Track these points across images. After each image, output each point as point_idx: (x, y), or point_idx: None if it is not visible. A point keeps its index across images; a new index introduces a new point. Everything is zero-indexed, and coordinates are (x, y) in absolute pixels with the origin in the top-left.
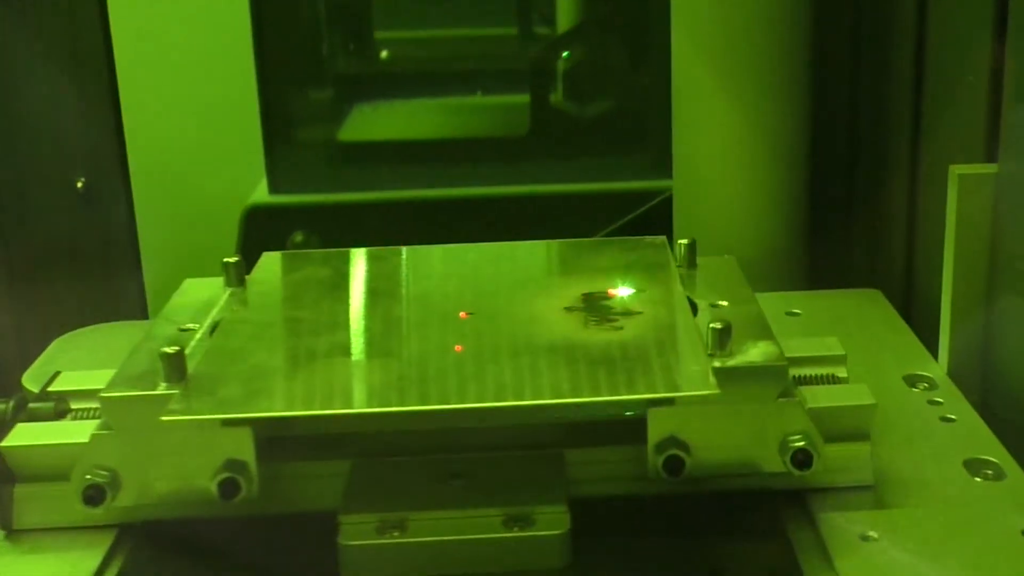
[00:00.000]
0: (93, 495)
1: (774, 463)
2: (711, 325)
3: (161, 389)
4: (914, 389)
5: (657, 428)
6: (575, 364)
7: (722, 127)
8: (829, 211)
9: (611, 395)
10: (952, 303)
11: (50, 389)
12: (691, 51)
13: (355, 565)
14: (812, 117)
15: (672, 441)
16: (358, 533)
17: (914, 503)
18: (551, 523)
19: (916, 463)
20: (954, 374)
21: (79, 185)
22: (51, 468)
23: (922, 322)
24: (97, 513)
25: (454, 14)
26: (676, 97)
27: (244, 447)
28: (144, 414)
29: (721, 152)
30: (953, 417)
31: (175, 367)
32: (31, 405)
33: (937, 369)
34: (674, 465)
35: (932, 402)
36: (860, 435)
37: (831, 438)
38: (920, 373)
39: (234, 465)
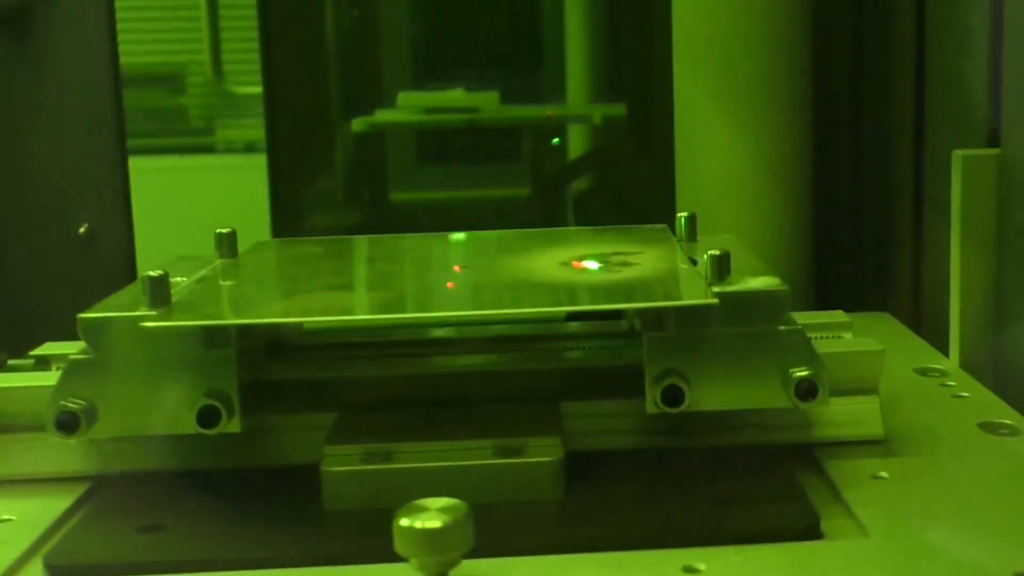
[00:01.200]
0: (67, 420)
1: (777, 396)
2: (709, 253)
3: (143, 311)
4: (925, 377)
5: (655, 357)
6: (573, 288)
7: (726, 159)
8: (835, 238)
9: (608, 303)
10: (961, 290)
11: (32, 353)
12: (692, 83)
13: (337, 493)
14: (815, 147)
15: (670, 371)
16: (341, 461)
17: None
18: (543, 452)
19: (930, 426)
20: (966, 366)
21: (81, 231)
22: (25, 415)
23: (934, 343)
24: (73, 459)
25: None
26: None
27: (226, 375)
28: (123, 336)
29: (724, 183)
30: (966, 395)
31: (159, 291)
32: (11, 362)
33: (950, 364)
34: (673, 395)
35: (944, 385)
36: (869, 388)
37: (839, 391)
38: (932, 367)
39: (216, 394)
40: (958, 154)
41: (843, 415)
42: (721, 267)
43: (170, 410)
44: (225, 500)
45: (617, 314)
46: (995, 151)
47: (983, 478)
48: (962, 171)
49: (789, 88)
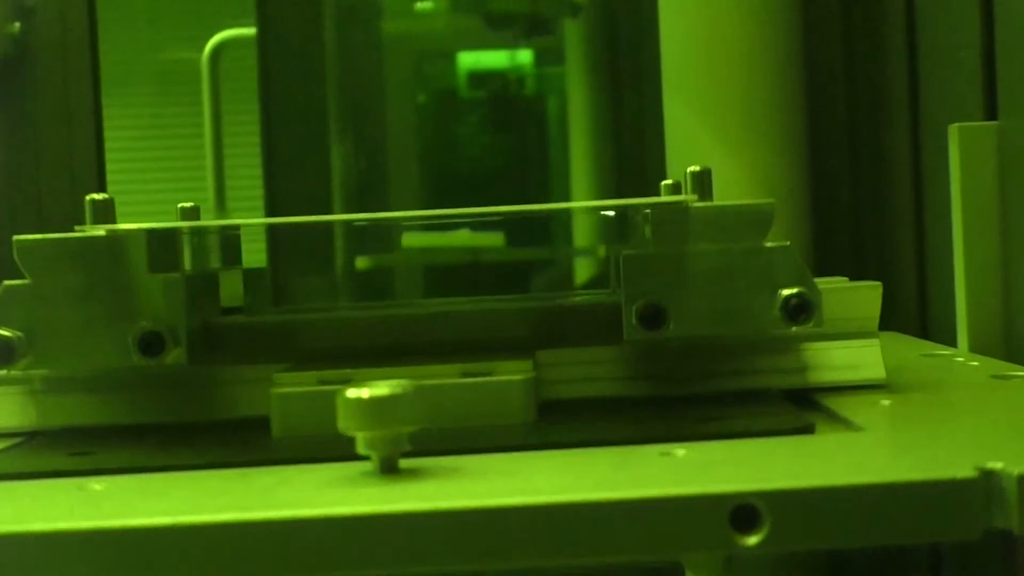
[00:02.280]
0: (2, 350)
1: (766, 317)
2: (688, 170)
3: (86, 233)
4: (933, 358)
5: (631, 277)
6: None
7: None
8: (836, 260)
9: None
10: (966, 272)
11: None
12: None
13: (287, 418)
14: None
15: (648, 292)
16: (292, 383)
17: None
18: (513, 371)
19: (940, 380)
20: (976, 350)
21: None
22: None
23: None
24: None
25: None
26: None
27: (173, 301)
28: (62, 259)
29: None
30: (976, 364)
31: (103, 212)
32: None
33: (958, 350)
34: (652, 314)
35: (953, 361)
36: (868, 332)
37: (837, 334)
38: (940, 353)
39: (160, 322)
40: (955, 127)
41: (842, 358)
42: (703, 184)
43: (111, 338)
44: (161, 439)
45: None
46: (993, 123)
47: (984, 405)
48: (959, 145)
49: (787, 120)
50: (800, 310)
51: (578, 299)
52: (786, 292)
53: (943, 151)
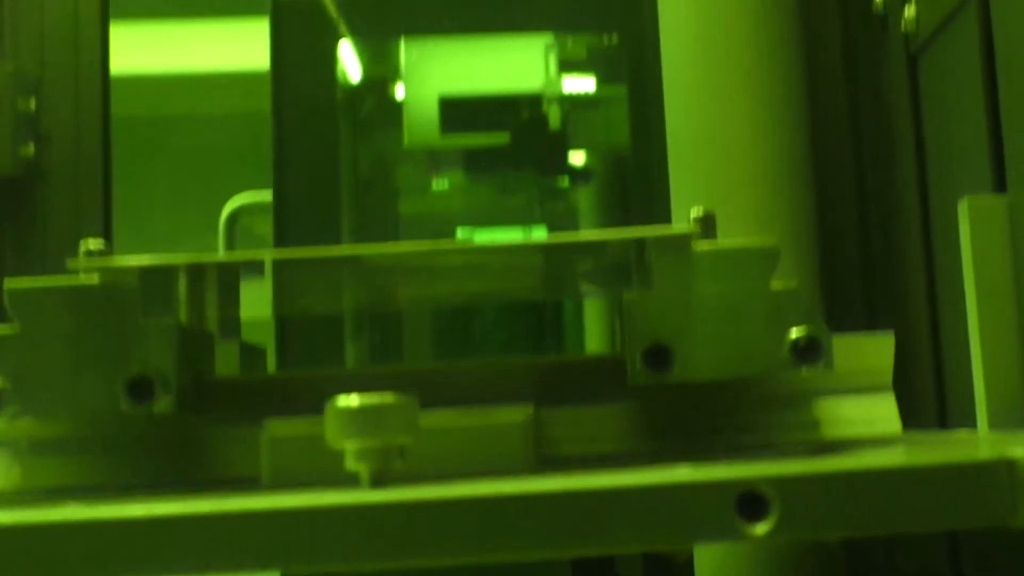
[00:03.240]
0: None
1: (774, 358)
2: (693, 213)
3: (79, 280)
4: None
5: (635, 319)
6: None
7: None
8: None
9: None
10: (982, 347)
11: None
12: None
13: (278, 462)
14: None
15: (654, 333)
16: (284, 429)
17: None
18: (512, 416)
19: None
20: (995, 425)
21: None
22: None
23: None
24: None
25: None
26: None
27: (164, 346)
28: (54, 307)
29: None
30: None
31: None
32: None
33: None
34: (658, 354)
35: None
36: (882, 385)
37: (850, 389)
38: (958, 430)
39: (151, 367)
40: (965, 202)
41: (857, 412)
42: (707, 227)
43: (100, 385)
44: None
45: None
46: (1003, 197)
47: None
48: (970, 219)
49: (789, 153)
50: (809, 350)
51: (582, 357)
52: (795, 333)
53: (951, 207)
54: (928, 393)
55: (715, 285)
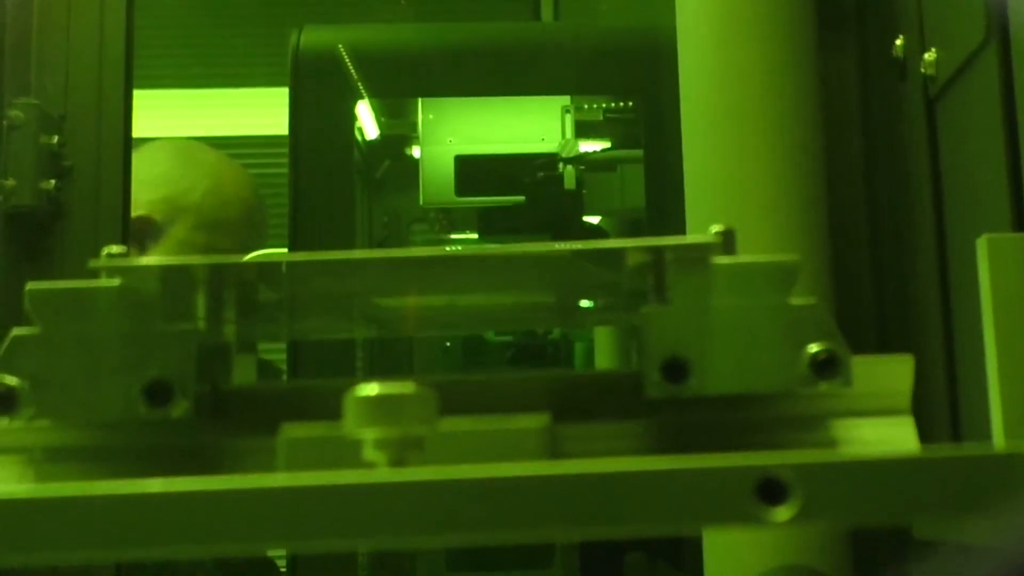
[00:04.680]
0: (5, 399)
1: (792, 375)
2: (712, 229)
3: (100, 283)
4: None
5: (652, 332)
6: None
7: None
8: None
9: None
10: (1000, 388)
11: None
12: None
13: (294, 465)
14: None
15: (669, 345)
16: (301, 430)
17: None
18: (529, 422)
19: None
20: None
21: None
22: None
23: None
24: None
25: None
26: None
27: (185, 349)
28: (76, 309)
29: None
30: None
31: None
32: None
33: None
34: (675, 367)
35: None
36: (901, 409)
37: (868, 411)
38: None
39: (169, 371)
40: (983, 239)
41: (874, 435)
42: (727, 243)
43: (118, 389)
44: None
45: None
46: (1023, 235)
47: None
48: (989, 256)
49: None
50: (828, 366)
51: (597, 372)
52: (814, 348)
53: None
54: (943, 433)
55: (733, 299)
